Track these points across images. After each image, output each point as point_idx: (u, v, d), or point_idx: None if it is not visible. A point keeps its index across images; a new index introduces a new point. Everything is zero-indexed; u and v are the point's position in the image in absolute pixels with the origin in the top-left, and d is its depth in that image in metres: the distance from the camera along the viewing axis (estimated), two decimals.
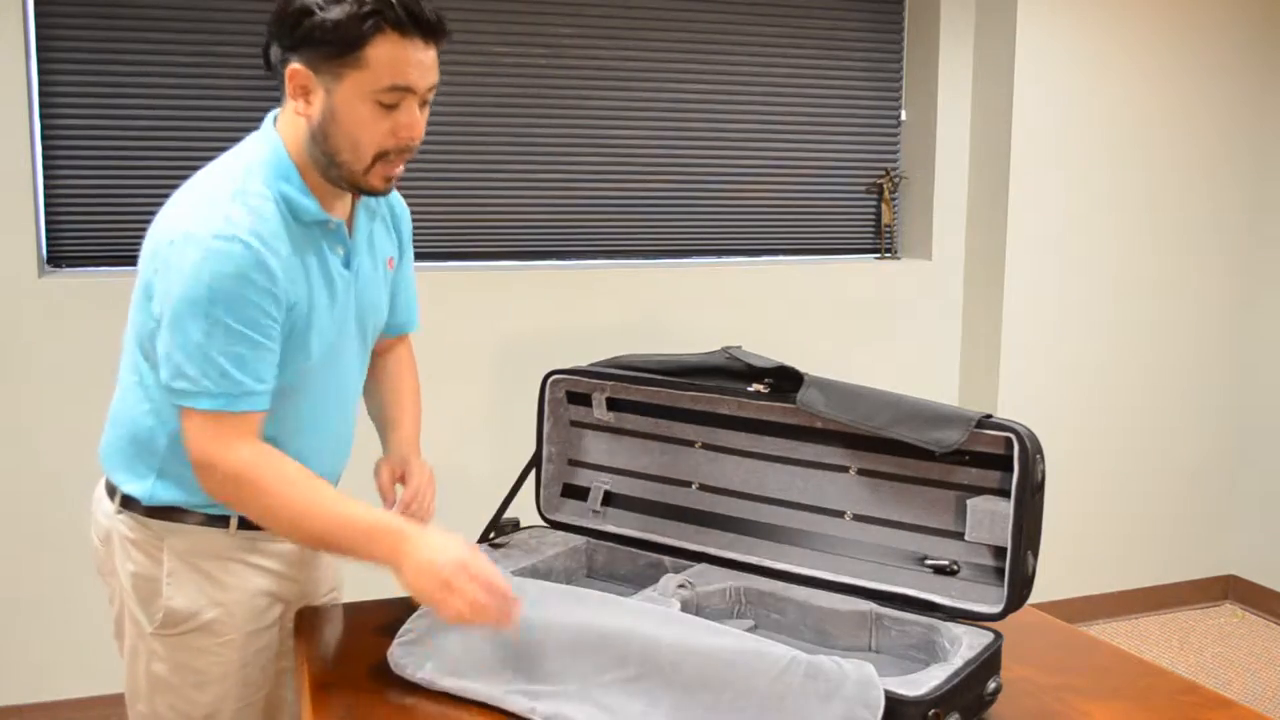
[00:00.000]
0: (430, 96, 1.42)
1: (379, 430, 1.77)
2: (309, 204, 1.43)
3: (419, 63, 1.37)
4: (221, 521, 1.51)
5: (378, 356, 1.77)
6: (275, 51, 1.40)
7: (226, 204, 1.37)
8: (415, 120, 1.40)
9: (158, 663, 1.53)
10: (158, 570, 1.51)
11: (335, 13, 1.32)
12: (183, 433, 1.39)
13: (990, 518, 1.43)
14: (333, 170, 1.42)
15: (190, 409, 1.37)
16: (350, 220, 1.53)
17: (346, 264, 1.52)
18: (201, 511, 1.50)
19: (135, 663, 1.56)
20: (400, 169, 1.44)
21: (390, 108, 1.38)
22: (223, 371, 1.35)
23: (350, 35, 1.33)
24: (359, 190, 1.45)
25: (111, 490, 1.56)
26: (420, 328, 1.83)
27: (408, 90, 1.37)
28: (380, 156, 1.40)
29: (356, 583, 1.86)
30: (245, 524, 1.52)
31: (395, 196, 1.68)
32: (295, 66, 1.38)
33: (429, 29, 1.37)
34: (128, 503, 1.52)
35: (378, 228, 1.61)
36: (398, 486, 1.67)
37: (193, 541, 1.51)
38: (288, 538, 1.46)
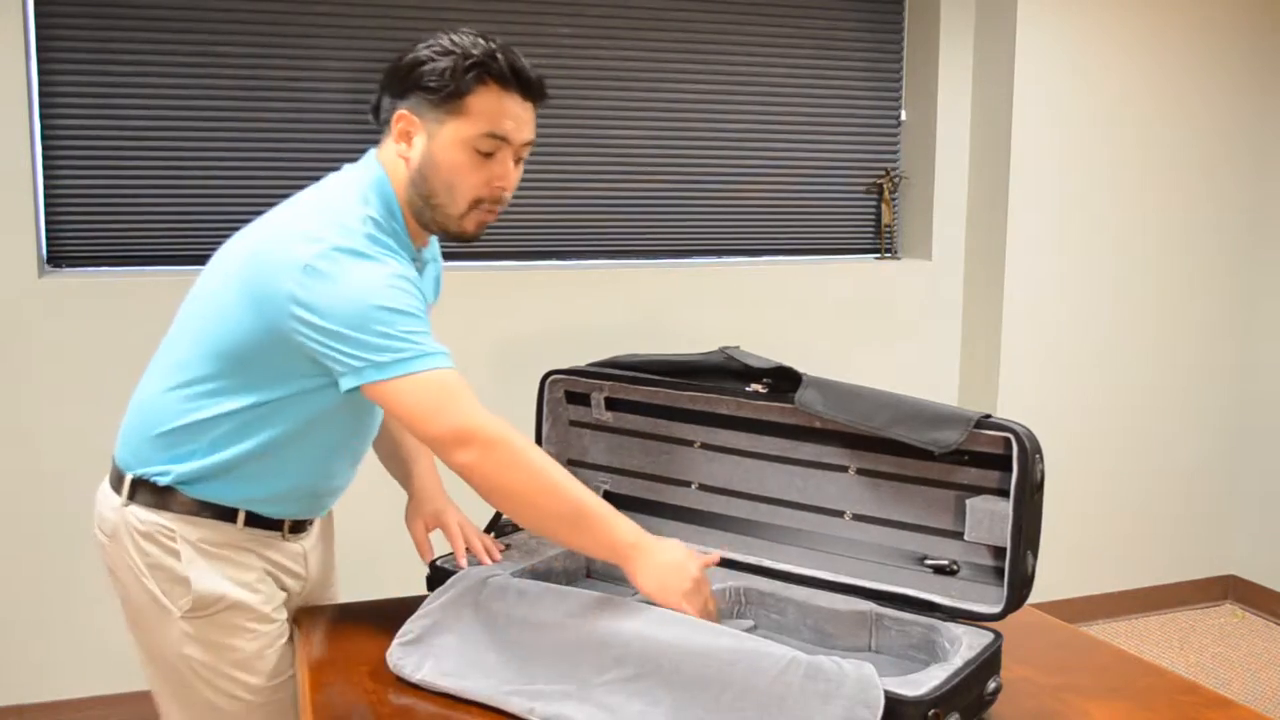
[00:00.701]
0: (525, 153, 1.52)
1: (388, 465, 1.80)
2: (405, 238, 1.51)
3: (516, 116, 1.47)
4: (229, 515, 1.54)
5: None
6: (386, 101, 1.50)
7: (359, 222, 1.42)
8: (508, 172, 1.49)
9: (191, 645, 1.54)
10: (174, 559, 1.53)
11: (444, 62, 1.43)
12: (408, 419, 1.37)
13: (990, 518, 1.43)
14: (427, 213, 1.50)
15: (402, 381, 1.36)
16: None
17: None
18: (211, 501, 1.53)
19: (164, 650, 1.57)
20: (492, 219, 1.52)
21: (486, 156, 1.46)
22: (418, 337, 1.37)
23: (456, 83, 1.43)
24: (448, 234, 1.52)
25: (118, 483, 1.57)
26: None
27: (503, 140, 1.46)
28: (475, 204, 1.49)
29: (354, 583, 1.86)
30: (252, 521, 1.55)
31: (438, 250, 1.75)
32: (402, 111, 1.47)
33: (529, 86, 1.47)
34: (135, 494, 1.54)
35: (431, 273, 1.68)
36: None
37: (203, 532, 1.53)
38: (527, 512, 1.41)
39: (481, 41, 1.45)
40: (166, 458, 1.52)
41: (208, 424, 1.49)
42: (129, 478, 1.55)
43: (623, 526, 1.41)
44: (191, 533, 1.53)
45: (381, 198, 1.48)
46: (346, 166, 1.55)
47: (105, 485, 1.61)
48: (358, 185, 1.49)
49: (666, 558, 1.41)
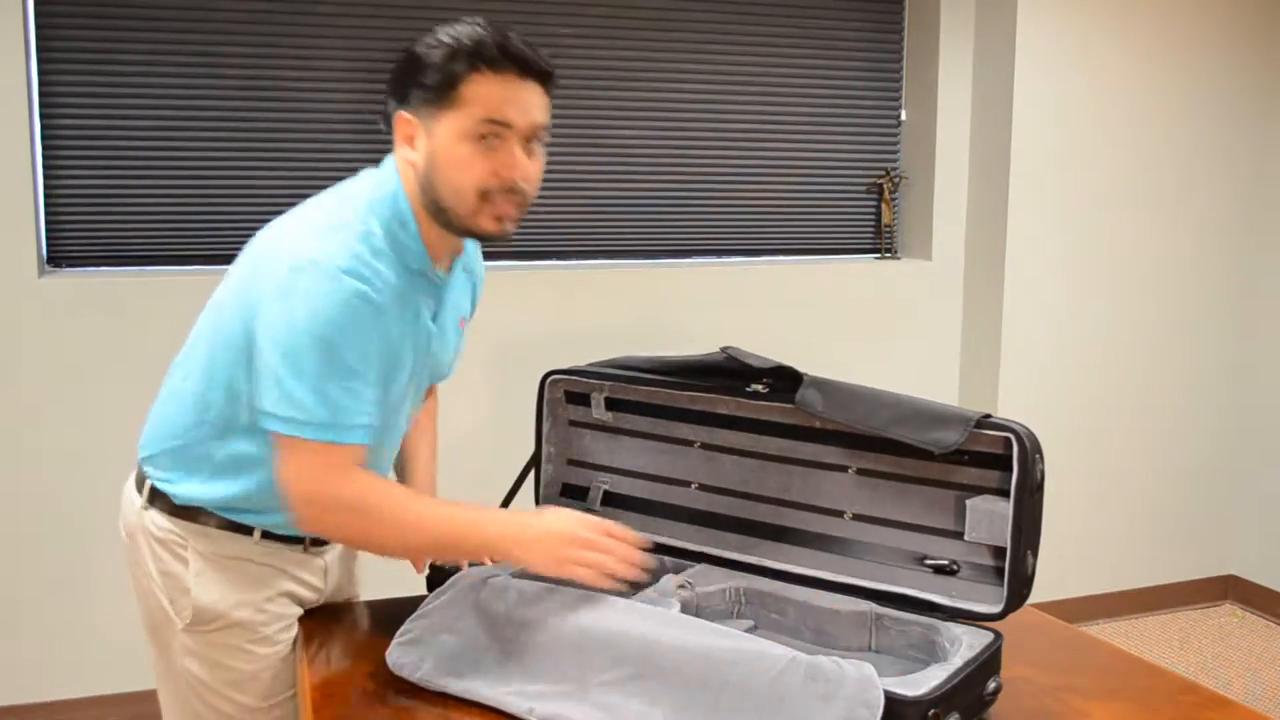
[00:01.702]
0: (540, 137, 1.42)
1: (396, 475, 1.78)
2: (420, 251, 1.44)
3: (515, 99, 1.38)
4: (245, 529, 1.52)
5: None
6: (390, 106, 1.44)
7: (353, 241, 1.36)
8: (517, 159, 1.39)
9: (190, 659, 1.53)
10: (184, 569, 1.51)
11: (435, 56, 1.37)
12: (280, 466, 1.37)
13: (990, 518, 1.43)
14: (442, 216, 1.42)
15: (296, 439, 1.34)
16: (448, 276, 1.55)
17: (434, 318, 1.52)
18: (225, 517, 1.51)
19: (170, 658, 1.56)
20: (513, 211, 1.42)
21: (489, 146, 1.38)
22: (337, 404, 1.34)
23: (446, 75, 1.36)
24: (470, 233, 1.44)
25: (140, 484, 1.56)
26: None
27: (503, 125, 1.37)
28: (485, 196, 1.39)
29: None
30: (268, 534, 1.52)
31: (481, 264, 1.69)
32: (402, 114, 1.41)
33: (525, 65, 1.38)
34: (154, 500, 1.53)
35: (460, 285, 1.61)
36: None
37: (217, 545, 1.51)
38: (396, 556, 1.45)
39: (476, 29, 1.38)
40: (182, 474, 1.50)
41: (222, 457, 1.47)
42: (148, 484, 1.53)
43: (489, 529, 1.39)
44: (205, 545, 1.51)
45: (394, 210, 1.42)
46: (366, 171, 1.49)
47: (130, 482, 1.60)
48: (368, 196, 1.43)
49: (542, 534, 1.37)
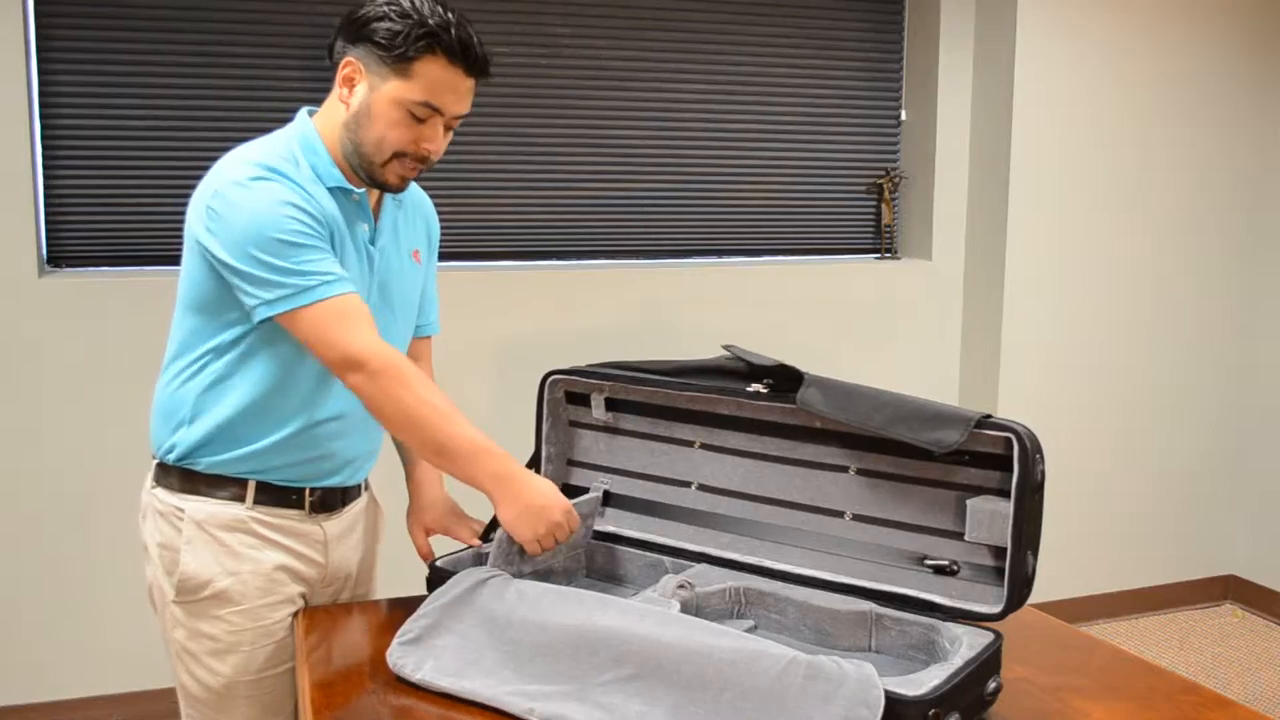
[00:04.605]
0: (456, 124, 1.57)
1: (399, 452, 1.82)
2: (334, 172, 1.54)
3: (456, 90, 1.52)
4: (239, 484, 1.57)
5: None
6: (339, 45, 1.55)
7: (261, 159, 1.50)
8: (437, 137, 1.53)
9: (179, 629, 1.59)
10: (178, 539, 1.57)
11: (400, 25, 1.47)
12: (311, 348, 1.46)
13: (990, 518, 1.43)
14: (354, 159, 1.54)
15: (297, 312, 1.44)
16: (378, 206, 1.63)
17: (371, 241, 1.60)
18: (219, 473, 1.56)
19: (165, 632, 1.63)
20: (413, 174, 1.56)
21: (419, 121, 1.51)
22: (303, 271, 1.45)
23: (406, 47, 1.47)
24: (373, 182, 1.56)
25: (153, 467, 1.63)
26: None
27: (438, 111, 1.51)
28: (397, 156, 1.53)
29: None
30: (259, 500, 1.58)
31: (428, 202, 1.79)
32: (350, 58, 1.52)
33: (474, 64, 1.52)
34: (159, 477, 1.61)
35: (404, 218, 1.69)
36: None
37: (210, 511, 1.57)
38: (404, 435, 1.49)
39: (440, 11, 1.49)
40: (169, 430, 1.58)
41: (191, 382, 1.55)
42: (154, 462, 1.62)
43: (489, 465, 1.47)
44: (200, 510, 1.57)
45: (302, 138, 1.55)
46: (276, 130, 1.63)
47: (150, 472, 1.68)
48: (277, 134, 1.57)
49: (529, 499, 1.49)
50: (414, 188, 1.75)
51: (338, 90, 1.54)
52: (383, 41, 1.48)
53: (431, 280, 1.82)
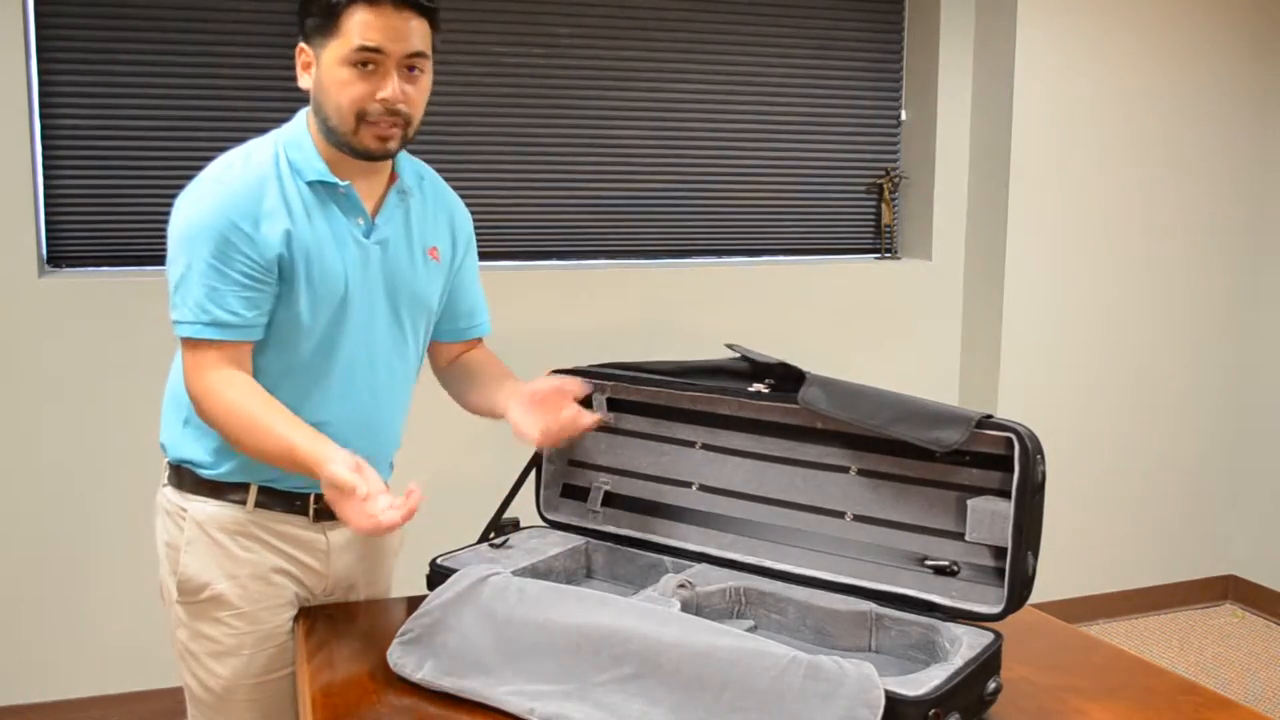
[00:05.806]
0: (418, 65, 1.50)
1: (495, 410, 1.69)
2: (315, 165, 1.53)
3: (390, 28, 1.46)
4: (239, 489, 1.57)
5: (460, 357, 1.80)
6: (298, 39, 1.55)
7: (223, 168, 1.52)
8: (391, 83, 1.48)
9: (181, 629, 1.60)
10: (180, 539, 1.58)
11: None
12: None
13: (990, 518, 1.43)
14: (331, 137, 1.52)
15: (181, 339, 1.50)
16: (381, 200, 1.60)
17: (367, 234, 1.57)
18: (220, 479, 1.56)
19: (170, 631, 1.64)
20: (395, 131, 1.51)
21: (367, 72, 1.47)
22: (198, 301, 1.46)
23: (329, 6, 1.46)
24: (355, 153, 1.52)
25: (166, 464, 1.65)
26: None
27: (376, 52, 1.46)
28: (362, 118, 1.49)
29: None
30: (261, 503, 1.58)
31: (453, 198, 1.76)
32: (300, 46, 1.53)
33: None
34: (168, 476, 1.62)
35: (419, 214, 1.66)
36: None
37: (211, 513, 1.58)
38: (247, 454, 1.50)
39: None
40: (174, 429, 1.60)
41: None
42: (165, 461, 1.63)
43: (299, 464, 1.42)
44: (202, 511, 1.57)
45: (291, 135, 1.55)
46: None
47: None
48: (272, 132, 1.58)
49: (333, 496, 1.38)
50: (439, 185, 1.72)
51: (302, 78, 1.55)
52: (313, 10, 1.48)
53: (471, 280, 1.79)
